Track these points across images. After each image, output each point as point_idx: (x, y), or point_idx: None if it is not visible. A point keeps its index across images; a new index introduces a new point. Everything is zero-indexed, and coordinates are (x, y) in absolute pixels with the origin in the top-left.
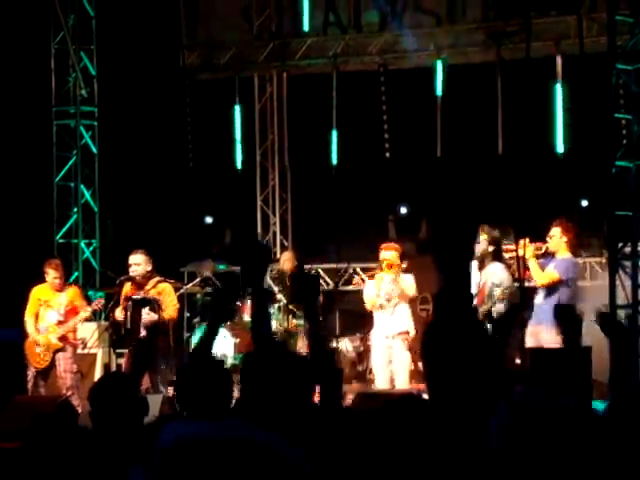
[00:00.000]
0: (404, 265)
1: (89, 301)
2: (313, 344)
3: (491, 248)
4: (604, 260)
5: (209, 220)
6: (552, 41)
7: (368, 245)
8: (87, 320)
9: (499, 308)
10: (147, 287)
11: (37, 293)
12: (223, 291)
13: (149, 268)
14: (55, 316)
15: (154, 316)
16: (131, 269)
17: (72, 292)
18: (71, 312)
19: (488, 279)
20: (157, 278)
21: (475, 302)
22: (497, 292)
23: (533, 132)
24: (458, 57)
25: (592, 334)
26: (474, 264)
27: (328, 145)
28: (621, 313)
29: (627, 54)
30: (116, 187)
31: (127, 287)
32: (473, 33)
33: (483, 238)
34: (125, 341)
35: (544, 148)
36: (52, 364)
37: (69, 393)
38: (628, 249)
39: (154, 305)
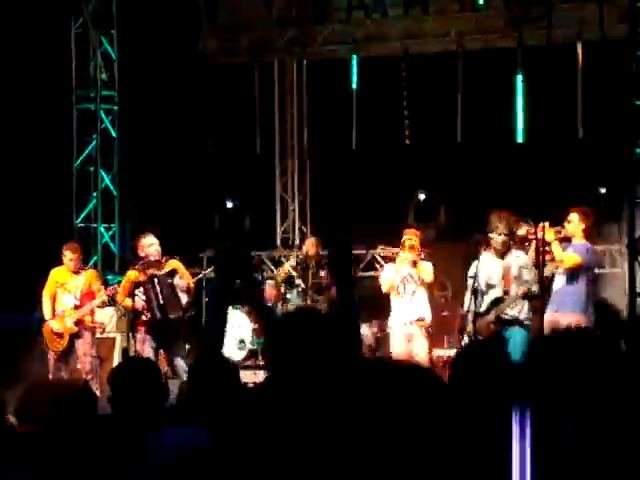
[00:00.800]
0: (422, 255)
1: (106, 285)
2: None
3: (507, 236)
4: (623, 248)
5: (230, 205)
6: (573, 28)
7: (387, 231)
8: (103, 305)
9: (536, 289)
10: (162, 267)
11: (55, 275)
12: (224, 272)
13: (159, 249)
14: (72, 300)
15: (183, 281)
16: (151, 249)
17: (89, 274)
18: (88, 295)
19: (512, 264)
20: (165, 257)
21: (502, 287)
22: (528, 273)
23: (556, 118)
24: (479, 43)
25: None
26: (486, 255)
27: (348, 131)
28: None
29: None
30: (136, 172)
31: (133, 274)
32: (494, 19)
33: (502, 226)
34: (162, 317)
35: (565, 135)
36: (71, 348)
37: (89, 377)
38: None
39: (188, 289)
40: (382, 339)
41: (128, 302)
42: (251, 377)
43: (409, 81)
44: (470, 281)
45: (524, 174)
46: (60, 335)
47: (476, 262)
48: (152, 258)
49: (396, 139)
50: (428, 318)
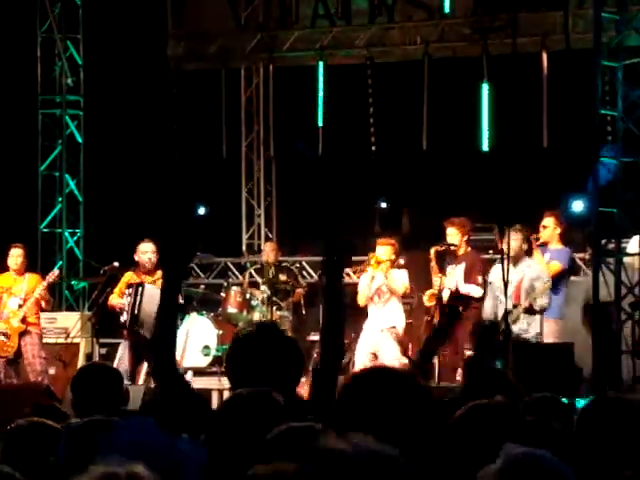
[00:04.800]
0: (401, 261)
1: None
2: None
3: (525, 246)
4: (588, 256)
5: (202, 211)
6: (538, 37)
7: (353, 237)
8: (47, 302)
9: (542, 302)
10: (155, 277)
11: (0, 281)
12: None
13: (155, 259)
14: (16, 302)
15: None
16: (143, 257)
17: (33, 279)
18: (31, 298)
19: (525, 275)
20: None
21: (512, 300)
22: (538, 285)
23: (520, 128)
24: (445, 51)
25: (575, 331)
26: (497, 267)
27: (314, 137)
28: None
29: (613, 51)
30: (101, 177)
31: (129, 275)
32: (460, 27)
33: (517, 237)
34: (132, 326)
35: (529, 144)
36: (20, 352)
37: (39, 378)
38: (612, 245)
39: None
40: (349, 346)
41: (114, 301)
42: (215, 384)
43: (375, 88)
44: (490, 288)
45: (489, 182)
46: (8, 336)
47: (494, 268)
48: (147, 266)
49: (362, 146)
50: (400, 327)
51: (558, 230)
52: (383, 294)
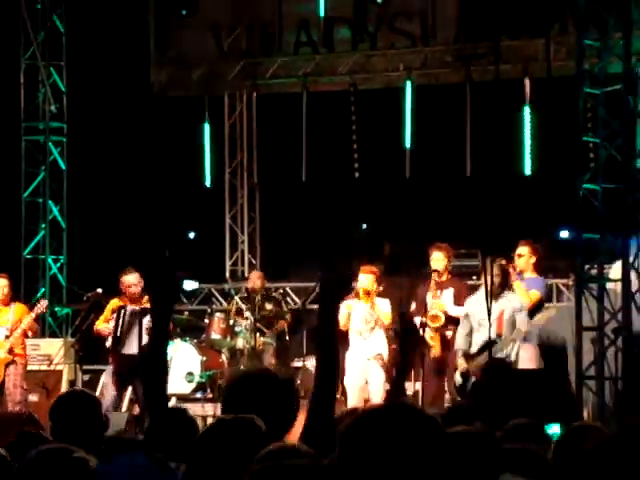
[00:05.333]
0: (381, 288)
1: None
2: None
3: (499, 279)
4: (570, 282)
5: (192, 235)
6: (521, 64)
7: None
8: (34, 332)
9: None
10: (142, 303)
11: None
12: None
13: (141, 288)
14: (2, 332)
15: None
16: (130, 289)
17: (19, 309)
18: (18, 328)
19: (506, 307)
20: (147, 296)
21: (495, 329)
22: (520, 317)
23: (501, 154)
24: (428, 78)
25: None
26: (478, 296)
27: (297, 164)
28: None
29: (595, 78)
30: (84, 203)
31: (114, 302)
32: (443, 55)
33: (498, 273)
34: (115, 348)
35: (512, 170)
36: (3, 381)
37: (17, 408)
38: (594, 271)
39: (147, 314)
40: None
41: (100, 326)
42: (199, 410)
43: (358, 115)
44: (464, 321)
45: (471, 208)
46: None
47: (470, 300)
48: (135, 296)
49: (345, 172)
50: (385, 354)
51: (533, 259)
52: (368, 323)
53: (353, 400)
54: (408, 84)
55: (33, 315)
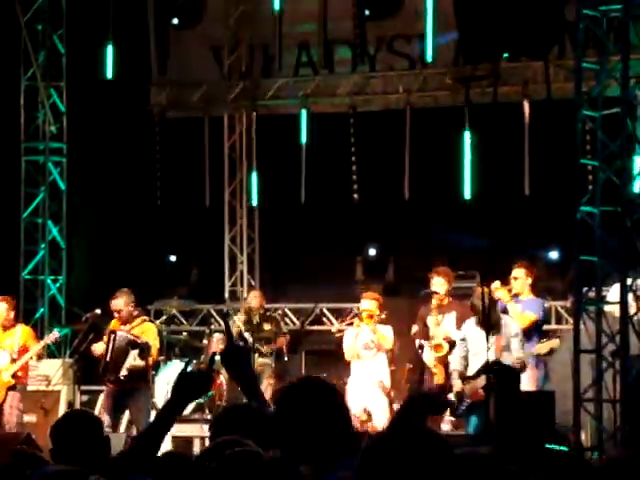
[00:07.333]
0: (383, 315)
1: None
2: None
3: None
4: (569, 304)
5: (173, 258)
6: (520, 86)
7: (335, 285)
8: (39, 357)
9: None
10: (133, 324)
11: None
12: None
13: (131, 309)
14: (7, 357)
15: (141, 363)
16: (118, 314)
17: (24, 333)
18: (23, 352)
19: (502, 333)
20: (143, 317)
21: (494, 352)
22: (515, 343)
23: (502, 176)
24: (427, 100)
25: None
26: (473, 321)
27: (297, 185)
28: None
29: (593, 101)
30: (84, 224)
31: (114, 323)
32: (442, 77)
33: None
34: (104, 374)
35: (511, 192)
36: (2, 403)
37: (13, 429)
38: (592, 294)
39: (145, 351)
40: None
41: (95, 348)
42: (198, 431)
43: (357, 137)
44: (461, 344)
45: (471, 230)
46: None
47: (466, 324)
48: (122, 318)
49: (344, 194)
50: (387, 382)
51: (529, 281)
52: (370, 349)
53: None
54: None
55: (42, 344)
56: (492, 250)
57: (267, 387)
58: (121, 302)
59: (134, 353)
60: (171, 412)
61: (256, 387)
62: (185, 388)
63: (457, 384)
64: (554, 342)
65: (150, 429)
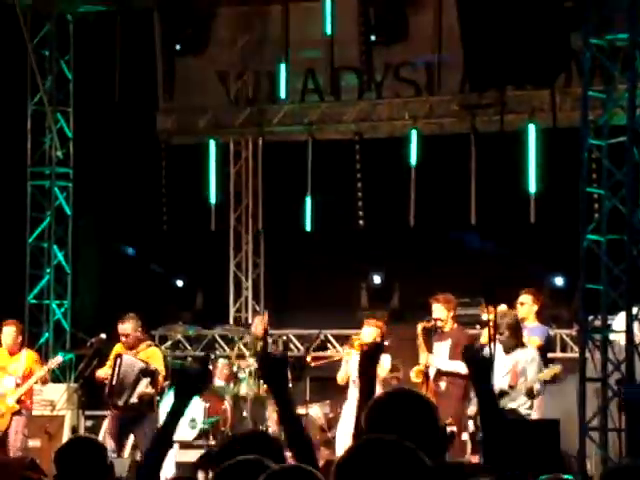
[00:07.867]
0: (386, 343)
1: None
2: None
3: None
4: (574, 332)
5: (180, 283)
6: (526, 114)
7: (340, 312)
8: (44, 382)
9: (537, 388)
10: (138, 349)
11: None
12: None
13: (138, 334)
14: (12, 381)
15: (151, 390)
16: (123, 339)
17: (29, 357)
18: (28, 377)
19: (520, 360)
20: (148, 342)
21: (509, 381)
22: (531, 369)
23: (506, 202)
24: (433, 127)
25: (559, 407)
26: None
27: (302, 211)
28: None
29: (599, 129)
30: (89, 249)
31: (117, 348)
32: (448, 104)
33: (504, 324)
34: (109, 398)
35: (516, 219)
36: (7, 429)
37: (18, 454)
38: (598, 322)
39: (155, 379)
40: (334, 420)
41: (102, 373)
42: None
43: (363, 164)
44: None
45: (477, 257)
46: (1, 415)
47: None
48: (128, 343)
49: (350, 220)
50: None
51: (535, 307)
52: None
53: (341, 450)
54: (413, 133)
55: (46, 369)
56: (494, 279)
57: (272, 412)
58: (129, 327)
59: (146, 381)
60: (174, 413)
61: (289, 395)
62: (185, 384)
63: (473, 410)
64: (557, 368)
65: (156, 438)
